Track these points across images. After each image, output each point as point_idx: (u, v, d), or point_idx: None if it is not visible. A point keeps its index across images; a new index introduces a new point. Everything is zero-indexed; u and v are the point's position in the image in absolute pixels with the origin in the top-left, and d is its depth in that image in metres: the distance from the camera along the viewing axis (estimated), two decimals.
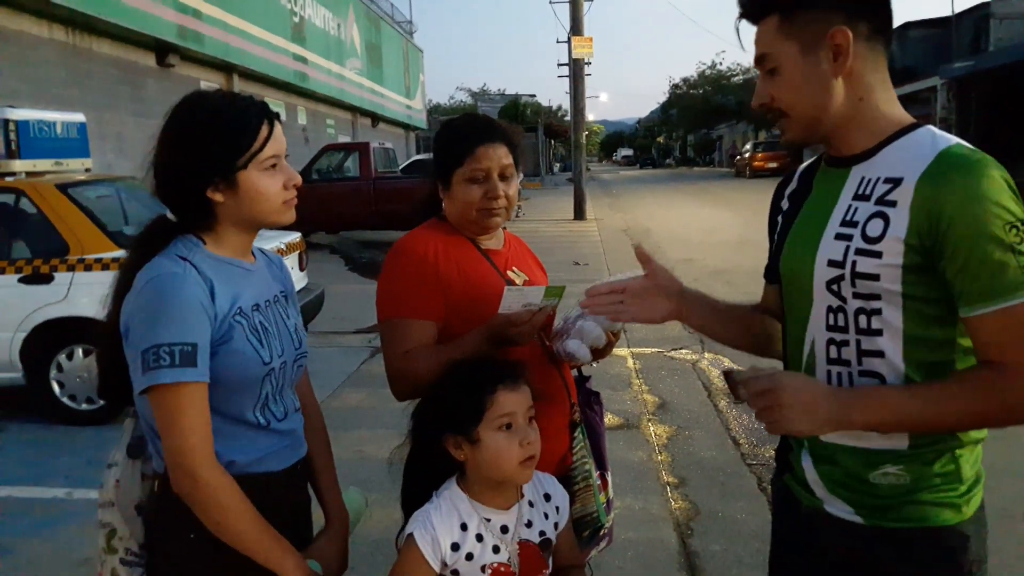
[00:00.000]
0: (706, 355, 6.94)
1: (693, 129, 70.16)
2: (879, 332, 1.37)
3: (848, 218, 1.41)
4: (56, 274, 5.30)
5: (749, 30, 1.48)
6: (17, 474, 4.67)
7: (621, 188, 37.46)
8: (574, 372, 2.15)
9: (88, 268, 5.28)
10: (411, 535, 1.60)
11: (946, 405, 1.32)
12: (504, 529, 1.63)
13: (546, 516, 1.71)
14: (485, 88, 67.44)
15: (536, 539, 1.66)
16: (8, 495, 4.38)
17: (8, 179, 5.65)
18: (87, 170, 6.59)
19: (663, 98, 70.80)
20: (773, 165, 38.16)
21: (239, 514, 1.50)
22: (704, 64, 59.57)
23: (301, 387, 1.81)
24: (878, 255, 1.34)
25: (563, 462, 1.97)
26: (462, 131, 1.98)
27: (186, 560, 1.57)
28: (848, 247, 1.38)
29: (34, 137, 5.95)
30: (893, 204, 1.34)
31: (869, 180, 1.40)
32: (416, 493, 1.72)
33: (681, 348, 7.19)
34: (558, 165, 66.35)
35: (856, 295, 1.38)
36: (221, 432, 1.53)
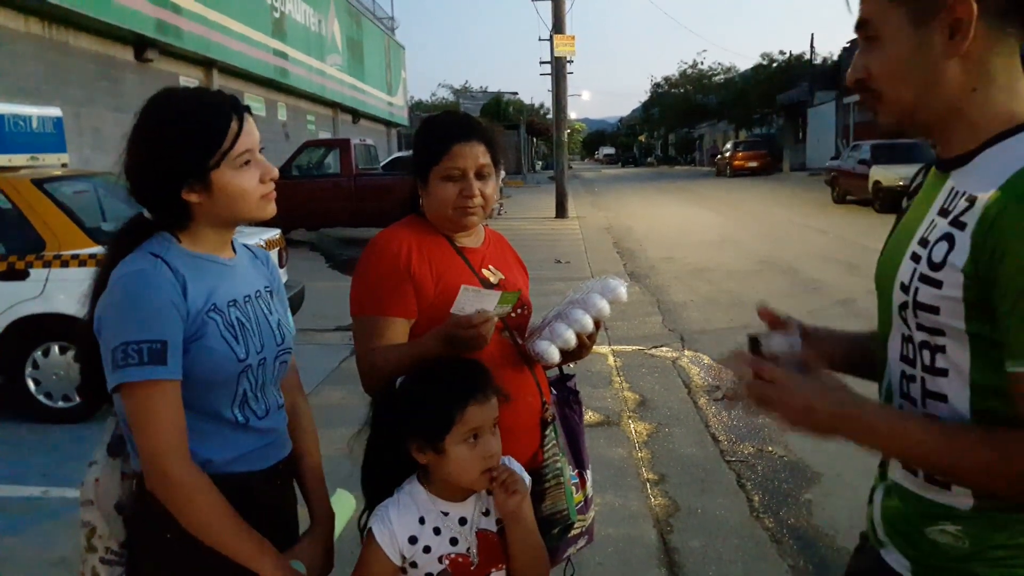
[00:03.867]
0: (686, 353, 6.98)
1: (674, 128, 70.40)
2: (943, 372, 1.16)
3: (925, 235, 1.18)
4: (32, 270, 5.22)
5: None
6: None
7: (603, 186, 37.55)
8: (555, 371, 2.15)
9: (64, 264, 5.22)
10: (370, 530, 1.64)
11: (954, 448, 1.11)
12: (462, 521, 1.66)
13: None
14: (467, 85, 67.46)
15: (494, 527, 1.68)
16: None
17: None
18: (63, 165, 6.50)
19: (645, 97, 71.09)
20: (753, 164, 38.49)
21: (214, 513, 1.49)
22: (686, 63, 59.78)
23: (290, 385, 1.80)
24: (938, 284, 1.13)
25: (534, 459, 1.98)
26: (440, 128, 1.98)
27: (165, 559, 1.56)
28: (915, 270, 1.17)
29: (9, 131, 5.87)
30: (963, 227, 1.11)
31: (957, 192, 1.16)
32: (376, 478, 1.74)
33: (661, 346, 7.22)
34: (540, 163, 66.40)
35: (920, 327, 1.18)
36: (197, 430, 1.52)
